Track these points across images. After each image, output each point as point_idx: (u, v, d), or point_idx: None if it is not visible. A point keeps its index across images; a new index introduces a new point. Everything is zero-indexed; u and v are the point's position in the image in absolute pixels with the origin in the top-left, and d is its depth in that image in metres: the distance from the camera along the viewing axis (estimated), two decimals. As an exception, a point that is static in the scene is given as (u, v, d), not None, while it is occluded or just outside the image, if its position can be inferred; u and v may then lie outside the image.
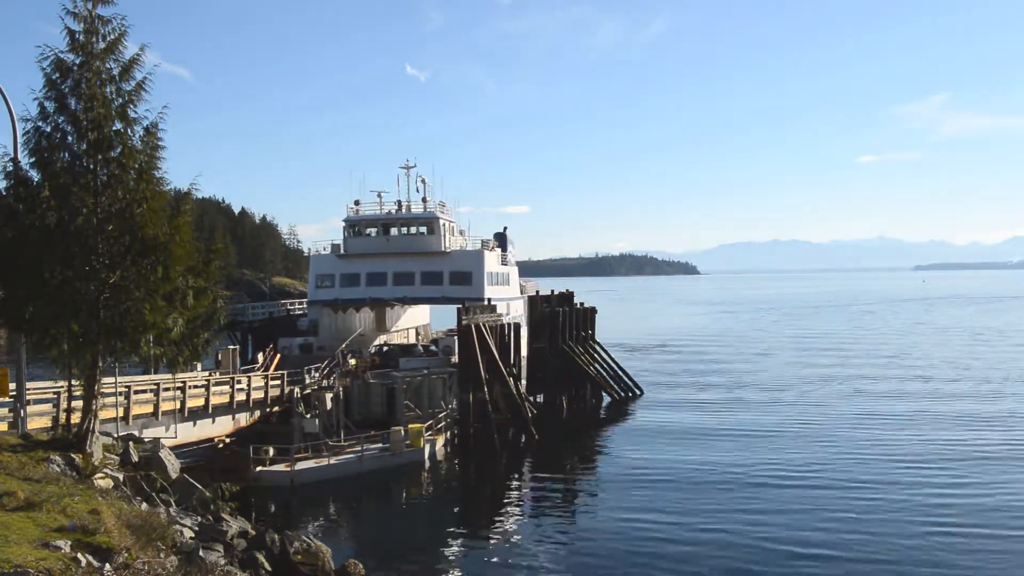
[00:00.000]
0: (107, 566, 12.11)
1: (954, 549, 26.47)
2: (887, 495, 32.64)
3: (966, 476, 35.69)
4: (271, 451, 35.79)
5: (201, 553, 15.95)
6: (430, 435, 40.20)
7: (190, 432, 34.34)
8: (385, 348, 55.20)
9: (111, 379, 28.12)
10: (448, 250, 57.88)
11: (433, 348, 53.47)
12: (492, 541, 28.72)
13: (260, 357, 49.40)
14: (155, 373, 31.10)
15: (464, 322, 44.93)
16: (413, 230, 58.64)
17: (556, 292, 59.46)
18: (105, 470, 21.14)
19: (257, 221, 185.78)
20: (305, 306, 62.12)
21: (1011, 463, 37.97)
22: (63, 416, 25.18)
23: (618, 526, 29.47)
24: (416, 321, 71.89)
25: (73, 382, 23.94)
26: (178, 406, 33.43)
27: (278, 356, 49.01)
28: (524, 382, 52.83)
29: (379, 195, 59.71)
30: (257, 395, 39.25)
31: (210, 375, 38.41)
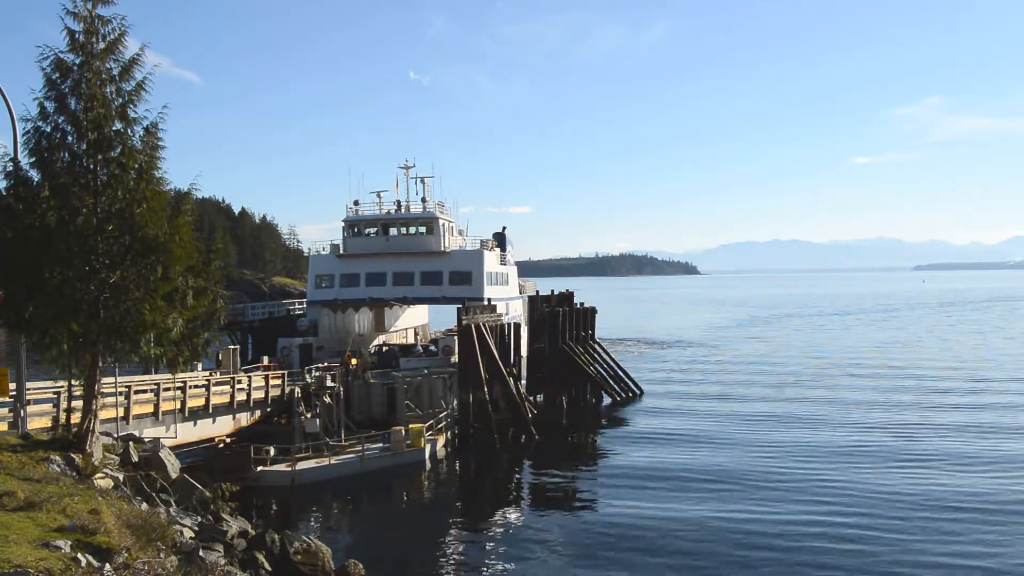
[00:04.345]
0: (107, 566, 12.10)
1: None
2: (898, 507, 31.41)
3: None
4: (272, 451, 35.79)
5: (201, 553, 15.95)
6: (431, 435, 40.19)
7: (190, 432, 34.33)
8: (384, 348, 55.21)
9: (111, 379, 28.11)
10: (447, 250, 57.88)
11: (432, 348, 53.48)
12: (492, 541, 28.70)
13: (265, 360, 49.28)
14: (155, 373, 31.09)
15: (464, 322, 44.93)
16: (412, 230, 58.65)
17: (556, 292, 59.46)
18: (105, 470, 21.14)
19: (257, 221, 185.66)
20: (305, 306, 62.12)
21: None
22: (63, 416, 25.18)
23: (618, 526, 29.42)
24: (415, 321, 71.89)
25: (73, 382, 23.93)
26: (178, 406, 33.41)
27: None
28: (524, 382, 52.82)
29: (379, 195, 59.85)
30: (257, 395, 39.24)
31: (210, 375, 38.40)
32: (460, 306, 46.68)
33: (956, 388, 61.46)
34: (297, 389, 41.74)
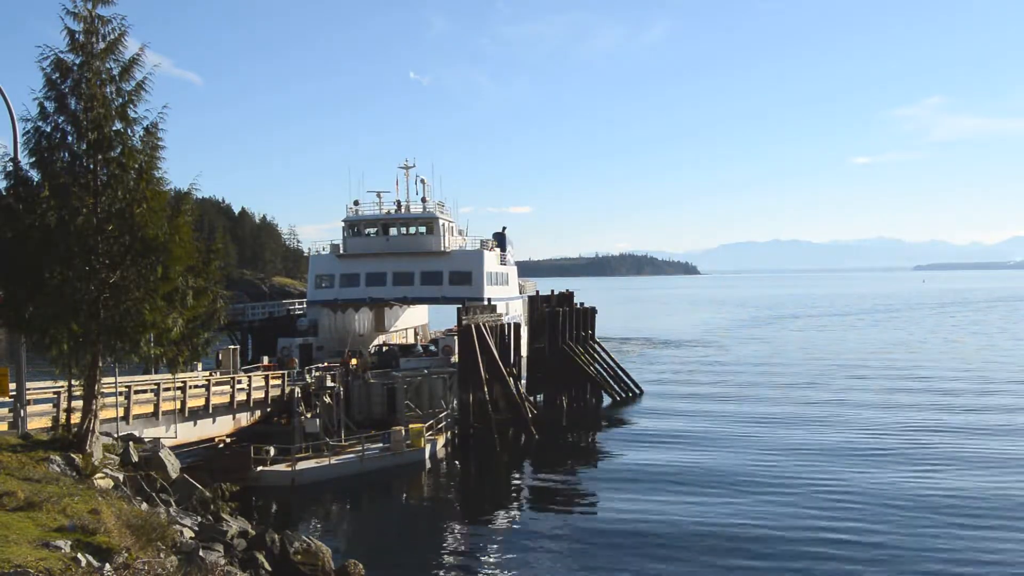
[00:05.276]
0: (107, 566, 12.10)
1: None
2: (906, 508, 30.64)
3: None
4: (272, 451, 35.80)
5: (201, 553, 15.96)
6: (431, 435, 40.19)
7: (190, 432, 34.32)
8: (384, 348, 55.22)
9: (111, 379, 28.11)
10: (447, 250, 57.90)
11: (432, 348, 53.50)
12: (492, 541, 28.69)
13: (265, 360, 49.25)
14: (155, 373, 31.12)
15: (464, 322, 44.94)
16: (412, 230, 58.68)
17: (556, 292, 59.47)
18: (105, 470, 21.15)
19: (257, 221, 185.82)
20: (305, 306, 62.16)
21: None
22: (63, 416, 25.19)
23: (618, 526, 29.43)
24: (415, 321, 71.94)
25: (73, 382, 23.93)
26: (178, 406, 33.41)
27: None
28: (524, 382, 52.83)
29: (379, 195, 59.88)
30: (257, 395, 39.24)
31: (210, 375, 38.40)
32: (460, 306, 46.69)
33: (968, 399, 56.44)
34: (297, 389, 41.75)
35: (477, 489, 37.72)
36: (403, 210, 59.74)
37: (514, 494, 36.35)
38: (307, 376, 43.52)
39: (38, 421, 25.51)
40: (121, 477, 21.34)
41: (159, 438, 28.15)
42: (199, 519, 20.34)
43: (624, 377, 59.59)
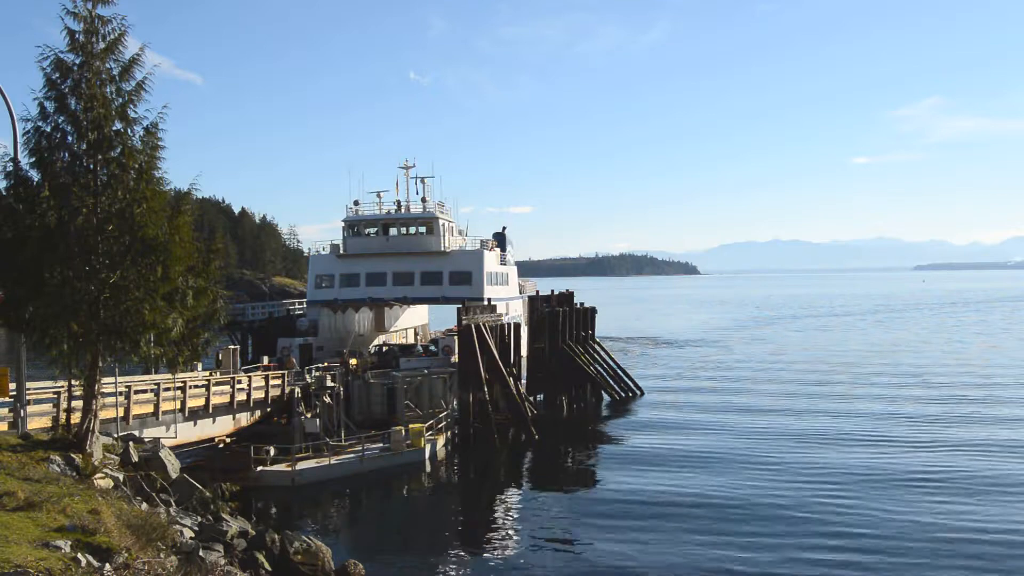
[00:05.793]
0: (107, 566, 12.11)
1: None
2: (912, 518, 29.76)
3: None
4: (272, 451, 35.80)
5: (201, 553, 15.97)
6: (431, 435, 40.19)
7: (190, 432, 34.31)
8: (384, 348, 55.24)
9: (111, 379, 28.11)
10: (447, 250, 57.89)
11: (432, 348, 53.51)
12: (492, 541, 28.70)
13: (266, 360, 49.19)
14: (155, 373, 31.10)
15: (464, 322, 44.94)
16: (412, 230, 58.66)
17: (556, 292, 59.47)
18: (105, 470, 21.16)
19: (257, 221, 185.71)
20: (305, 306, 62.17)
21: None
22: (63, 416, 25.19)
23: (617, 526, 29.44)
24: (415, 321, 71.95)
25: (73, 382, 23.94)
26: (178, 406, 33.40)
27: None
28: (524, 382, 52.82)
29: (379, 195, 59.84)
30: (257, 395, 39.24)
31: (210, 375, 38.39)
32: (460, 306, 46.68)
33: (979, 407, 53.52)
34: (297, 389, 41.76)
35: (477, 489, 37.72)
36: (403, 210, 59.71)
37: (514, 494, 36.34)
38: (307, 376, 43.51)
39: (38, 421, 25.49)
40: (121, 477, 21.36)
41: (159, 438, 28.15)
42: (199, 519, 20.36)
43: (624, 377, 59.60)
